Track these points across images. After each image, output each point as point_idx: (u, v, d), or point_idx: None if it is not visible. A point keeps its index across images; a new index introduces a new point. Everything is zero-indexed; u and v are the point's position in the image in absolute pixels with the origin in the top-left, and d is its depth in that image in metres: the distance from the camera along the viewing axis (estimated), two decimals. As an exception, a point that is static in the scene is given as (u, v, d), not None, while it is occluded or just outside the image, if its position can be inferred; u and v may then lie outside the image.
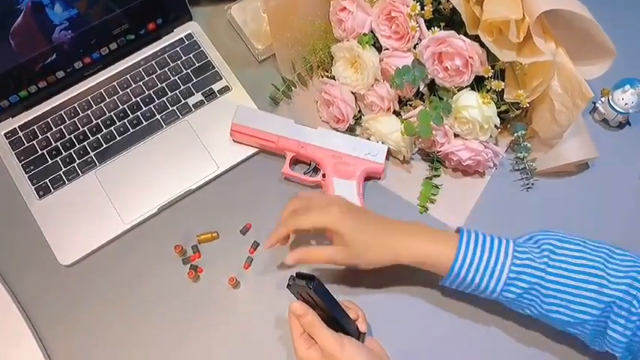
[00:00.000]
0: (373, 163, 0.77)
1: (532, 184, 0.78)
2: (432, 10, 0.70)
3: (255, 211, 0.77)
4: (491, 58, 0.70)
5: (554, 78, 0.70)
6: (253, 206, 0.78)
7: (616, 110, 0.79)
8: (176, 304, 0.73)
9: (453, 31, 0.68)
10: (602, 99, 0.81)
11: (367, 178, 0.79)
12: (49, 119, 0.80)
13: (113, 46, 0.82)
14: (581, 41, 0.70)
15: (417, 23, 0.71)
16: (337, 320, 0.61)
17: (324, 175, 0.77)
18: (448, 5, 0.70)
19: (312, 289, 0.56)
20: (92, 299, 0.73)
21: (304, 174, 0.79)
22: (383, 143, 0.78)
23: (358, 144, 0.77)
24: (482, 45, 0.69)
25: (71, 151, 0.79)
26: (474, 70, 0.70)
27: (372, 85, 0.77)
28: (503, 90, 0.72)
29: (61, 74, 0.80)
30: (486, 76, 0.70)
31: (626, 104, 0.78)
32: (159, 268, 0.74)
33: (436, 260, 0.64)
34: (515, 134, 0.77)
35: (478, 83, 0.73)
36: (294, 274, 0.58)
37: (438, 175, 0.79)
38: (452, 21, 0.72)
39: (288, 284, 0.58)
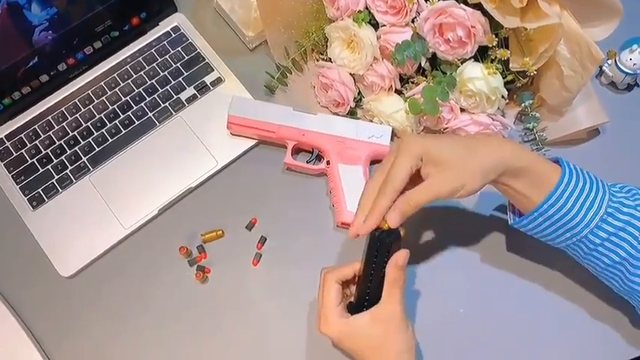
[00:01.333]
0: (379, 146, 0.74)
1: (544, 154, 0.76)
2: (428, -19, 0.67)
3: (259, 205, 0.74)
4: (494, 27, 0.67)
5: (561, 42, 0.67)
6: (257, 200, 0.75)
7: (624, 72, 0.77)
8: (186, 308, 0.70)
9: (453, 1, 0.65)
10: (609, 61, 0.79)
11: (373, 162, 0.76)
12: (36, 126, 0.76)
13: (97, 44, 0.78)
14: (586, 2, 0.67)
15: (415, -4, 0.67)
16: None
17: (328, 163, 0.74)
18: (445, -26, 0.67)
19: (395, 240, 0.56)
20: (97, 310, 0.70)
21: (307, 163, 0.76)
22: (387, 124, 0.75)
23: (361, 127, 0.74)
24: (483, 13, 0.66)
25: (62, 157, 0.75)
26: (477, 41, 0.67)
27: (371, 65, 0.74)
28: (508, 59, 0.69)
29: (45, 78, 0.76)
30: (490, 46, 0.67)
31: (634, 64, 0.76)
32: (165, 273, 0.71)
33: (542, 172, 0.57)
34: (523, 104, 0.74)
35: (482, 54, 0.70)
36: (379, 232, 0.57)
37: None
38: (450, -9, 0.68)
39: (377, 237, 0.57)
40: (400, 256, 0.57)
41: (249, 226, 0.73)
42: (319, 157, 0.76)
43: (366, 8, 0.72)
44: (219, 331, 0.69)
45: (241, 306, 0.70)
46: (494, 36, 0.66)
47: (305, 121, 0.74)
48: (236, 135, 0.76)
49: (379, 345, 0.57)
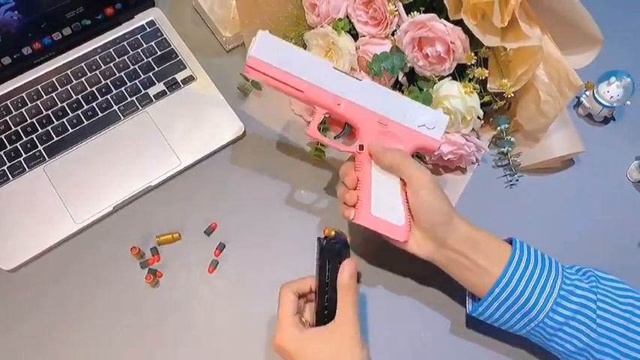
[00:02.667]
0: (428, 139, 0.61)
1: (517, 180, 0.74)
2: (410, -6, 0.66)
3: (221, 209, 0.71)
4: (474, 45, 0.66)
5: (540, 67, 0.67)
6: (219, 205, 0.71)
7: (601, 104, 0.76)
8: (132, 312, 0.66)
9: (434, 14, 0.64)
10: (587, 93, 0.78)
11: (413, 155, 0.63)
12: (-8, 110, 0.73)
13: (67, 31, 0.75)
14: (567, 29, 0.67)
15: (396, 7, 0.66)
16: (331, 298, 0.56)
17: (361, 147, 0.61)
18: (428, -10, 0.66)
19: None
20: (39, 308, 0.65)
21: (335, 138, 0.62)
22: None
23: (413, 110, 0.61)
24: (464, 30, 0.65)
25: (17, 144, 0.71)
26: (456, 58, 0.66)
27: (349, 75, 0.72)
28: (486, 80, 0.68)
29: (7, 60, 0.73)
30: (469, 64, 0.66)
31: (611, 97, 0.75)
32: (114, 273, 0.67)
33: (493, 247, 0.57)
34: (499, 128, 0.73)
35: (460, 73, 0.69)
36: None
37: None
38: (432, 6, 0.67)
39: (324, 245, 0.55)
40: (347, 264, 0.56)
41: (208, 231, 0.70)
42: (350, 136, 0.63)
43: (347, 17, 0.71)
44: (165, 339, 0.65)
45: (191, 314, 0.66)
46: (473, 54, 0.65)
47: (345, 86, 0.60)
48: (252, 78, 0.63)
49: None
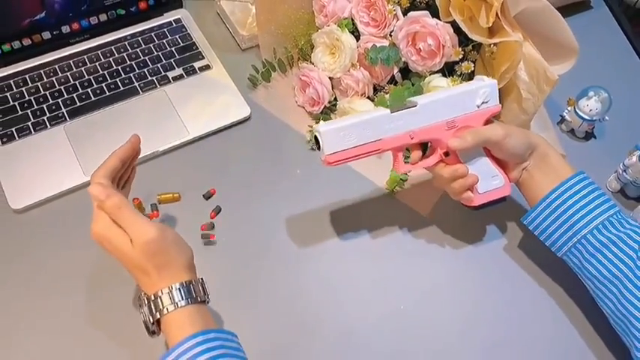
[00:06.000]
0: (490, 111, 0.66)
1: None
2: (408, 0, 0.75)
3: (222, 178, 0.76)
4: (462, 45, 0.74)
5: (522, 67, 0.74)
6: (221, 174, 0.76)
7: (582, 118, 0.82)
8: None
9: (426, 11, 0.72)
10: (569, 108, 0.84)
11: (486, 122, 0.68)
12: (27, 75, 0.81)
13: (103, 17, 0.85)
14: (546, 40, 0.74)
15: (394, 7, 0.75)
16: None
17: (446, 154, 0.65)
18: (423, -2, 0.75)
19: None
20: (41, 247, 0.69)
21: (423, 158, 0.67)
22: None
23: (467, 96, 0.65)
24: (454, 31, 0.72)
25: (43, 105, 0.78)
26: (446, 53, 0.73)
27: (349, 70, 0.80)
28: (472, 78, 0.74)
29: (47, 35, 0.82)
30: (457, 60, 0.73)
31: (590, 110, 0.81)
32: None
33: (558, 163, 0.64)
34: (485, 129, 0.79)
35: (449, 71, 0.76)
36: None
37: (408, 162, 0.79)
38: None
39: None
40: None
41: (207, 195, 0.74)
42: (433, 149, 0.67)
43: (351, 19, 0.79)
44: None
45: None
46: (460, 49, 0.73)
47: (409, 120, 0.63)
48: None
49: (144, 266, 0.55)
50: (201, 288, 0.57)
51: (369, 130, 0.62)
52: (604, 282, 0.59)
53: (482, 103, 0.65)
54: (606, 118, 0.82)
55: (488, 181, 0.67)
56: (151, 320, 0.54)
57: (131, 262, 0.55)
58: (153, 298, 0.54)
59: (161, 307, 0.54)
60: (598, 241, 0.60)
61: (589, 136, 0.85)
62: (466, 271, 0.71)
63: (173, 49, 0.86)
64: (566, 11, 0.92)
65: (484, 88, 0.65)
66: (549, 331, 0.67)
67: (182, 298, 0.54)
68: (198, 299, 0.55)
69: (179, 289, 0.54)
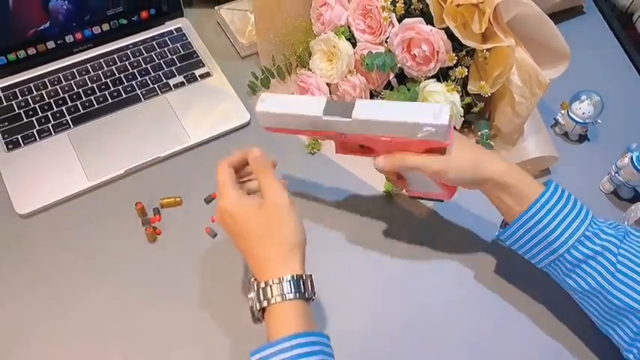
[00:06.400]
0: (433, 143, 0.60)
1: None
2: (403, 8, 0.77)
3: (221, 183, 0.78)
4: (456, 51, 0.75)
5: (514, 72, 0.75)
6: (220, 178, 0.78)
7: (575, 121, 0.84)
8: (130, 263, 0.71)
9: (420, 18, 0.74)
10: (562, 112, 0.86)
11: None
12: (32, 84, 0.83)
13: (105, 27, 0.87)
14: (538, 45, 0.76)
15: (389, 15, 0.77)
16: None
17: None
18: (418, 5, 0.77)
19: None
20: (46, 250, 0.71)
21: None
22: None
23: (410, 127, 0.58)
24: (448, 37, 0.74)
25: (48, 113, 0.80)
26: (440, 59, 0.75)
27: (346, 76, 0.81)
28: (466, 83, 0.76)
29: (51, 44, 0.84)
30: (451, 65, 0.75)
31: (583, 113, 0.83)
32: (116, 227, 0.73)
33: (524, 189, 0.61)
34: (480, 132, 0.81)
35: (443, 77, 0.78)
36: None
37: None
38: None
39: None
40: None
41: (208, 200, 0.76)
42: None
43: (348, 26, 0.81)
44: (159, 293, 0.69)
45: (185, 272, 0.70)
46: (454, 55, 0.75)
47: (340, 127, 0.62)
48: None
49: (263, 234, 0.57)
50: (310, 284, 0.56)
51: (306, 123, 0.63)
52: (586, 294, 0.60)
53: (424, 136, 0.59)
54: (599, 121, 0.83)
55: (425, 188, 0.66)
56: (258, 307, 0.55)
57: (250, 231, 0.56)
58: (263, 285, 0.55)
59: (270, 295, 0.54)
60: (574, 259, 0.59)
61: (582, 138, 0.87)
62: (463, 272, 0.73)
63: (174, 57, 0.88)
64: (559, 16, 0.95)
65: (429, 127, 0.58)
66: (548, 330, 0.68)
67: (291, 291, 0.54)
68: (306, 295, 0.55)
69: (289, 281, 0.55)
